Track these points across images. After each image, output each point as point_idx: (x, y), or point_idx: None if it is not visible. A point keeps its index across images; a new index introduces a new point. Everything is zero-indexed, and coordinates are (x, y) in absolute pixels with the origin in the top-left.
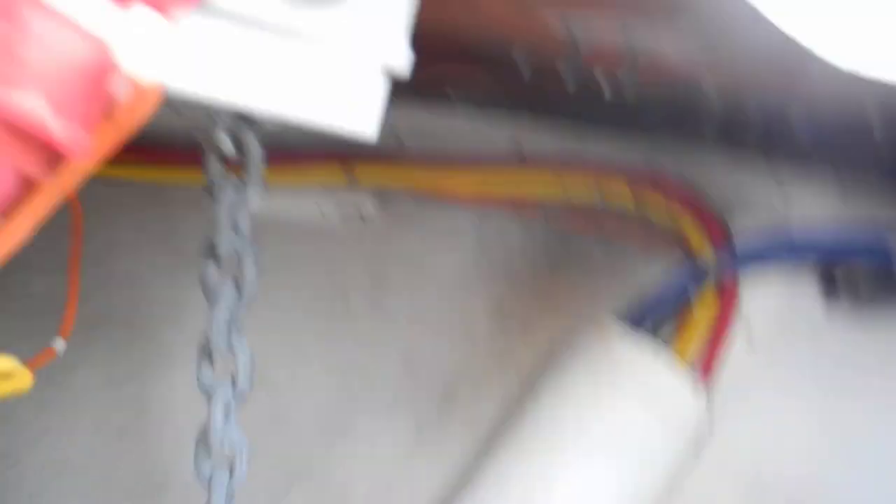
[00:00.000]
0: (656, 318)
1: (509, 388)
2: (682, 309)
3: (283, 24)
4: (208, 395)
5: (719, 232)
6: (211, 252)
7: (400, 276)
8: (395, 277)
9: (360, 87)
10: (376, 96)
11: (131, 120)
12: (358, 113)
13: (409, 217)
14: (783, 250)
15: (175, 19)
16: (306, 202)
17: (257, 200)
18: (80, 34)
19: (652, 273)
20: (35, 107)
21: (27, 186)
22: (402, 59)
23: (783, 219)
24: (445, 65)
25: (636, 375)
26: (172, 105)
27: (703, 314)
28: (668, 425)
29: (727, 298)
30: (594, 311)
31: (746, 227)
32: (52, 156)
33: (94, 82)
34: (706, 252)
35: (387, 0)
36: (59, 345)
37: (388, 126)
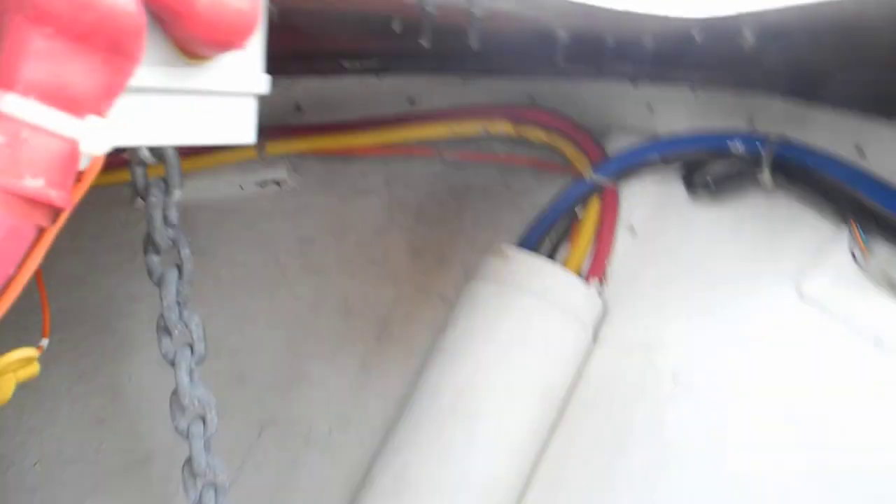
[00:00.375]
0: (552, 233)
1: (435, 316)
2: (573, 221)
3: (175, 86)
4: (172, 362)
5: (595, 150)
6: (150, 245)
7: (323, 234)
8: (319, 236)
9: (237, 113)
10: (250, 114)
11: (92, 176)
12: (240, 129)
13: (321, 179)
14: (651, 157)
15: (110, 112)
16: (226, 181)
17: (180, 194)
18: (60, 138)
19: (545, 190)
20: (40, 186)
21: (40, 233)
22: (263, 85)
23: (651, 132)
24: (334, 40)
25: (533, 284)
26: None
27: (589, 221)
28: (564, 316)
29: (608, 204)
30: (499, 236)
31: (621, 142)
32: (53, 211)
33: (70, 164)
34: (585, 169)
35: (243, 52)
36: (45, 342)
37: (290, 99)
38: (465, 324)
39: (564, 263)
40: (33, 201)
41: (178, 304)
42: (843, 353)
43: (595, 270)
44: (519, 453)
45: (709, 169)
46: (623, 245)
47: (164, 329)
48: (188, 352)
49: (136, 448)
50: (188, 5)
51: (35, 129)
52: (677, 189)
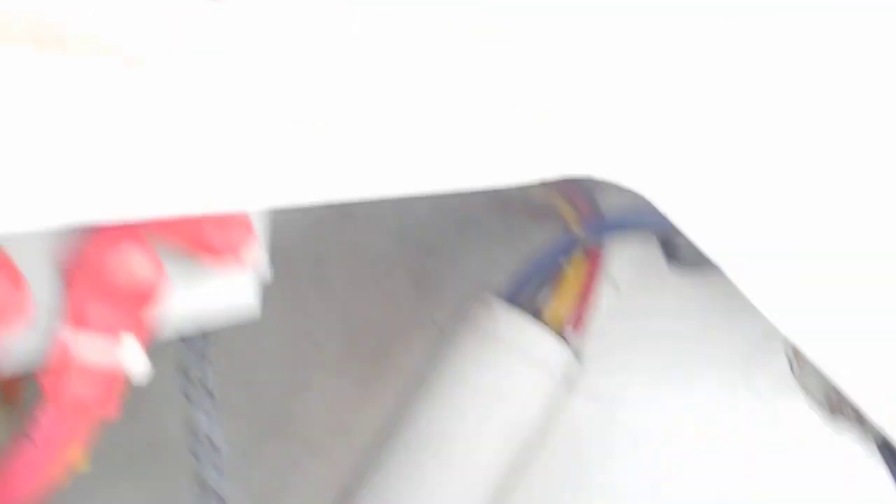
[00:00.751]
0: (536, 284)
1: (430, 343)
2: (557, 274)
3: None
4: (189, 401)
5: (586, 207)
6: None
7: (336, 255)
8: (332, 257)
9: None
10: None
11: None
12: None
13: (340, 207)
14: (639, 223)
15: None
16: None
17: None
18: (110, 364)
19: (541, 232)
20: (85, 392)
21: None
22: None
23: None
24: None
25: (512, 338)
26: None
27: (574, 276)
28: (538, 371)
29: (593, 261)
30: (493, 271)
31: (614, 197)
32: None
33: (117, 381)
34: (576, 224)
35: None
36: None
37: None
38: (449, 368)
39: (548, 312)
40: (78, 407)
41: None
42: (771, 442)
43: (575, 322)
44: (485, 490)
45: (687, 242)
46: (605, 300)
47: (183, 373)
48: (207, 396)
49: (153, 435)
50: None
51: (92, 360)
52: (656, 254)
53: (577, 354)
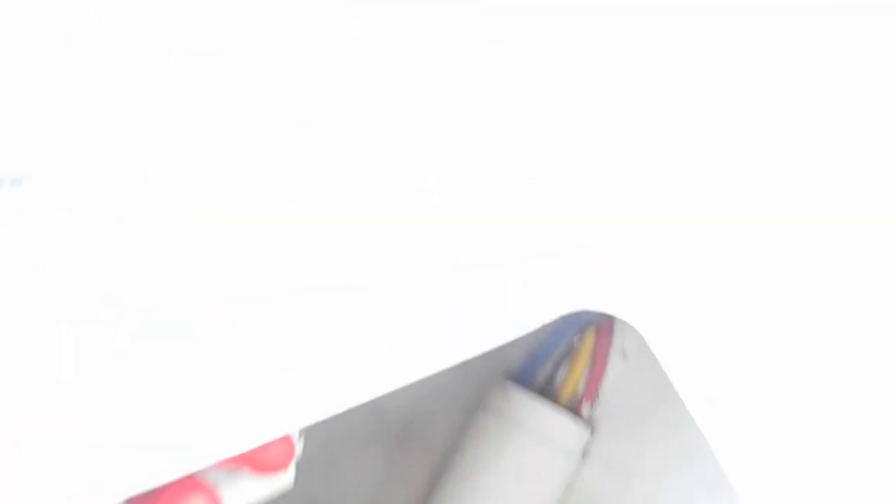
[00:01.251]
0: (550, 363)
1: (454, 420)
2: (570, 350)
3: None
4: None
5: None
6: None
7: None
8: None
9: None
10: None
11: None
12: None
13: None
14: None
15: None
16: None
17: None
18: None
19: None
20: None
21: None
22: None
23: None
24: None
25: (529, 422)
26: None
27: (585, 350)
28: (555, 450)
29: (602, 335)
30: (511, 351)
31: None
32: None
33: None
34: None
35: None
36: None
37: None
38: (471, 453)
39: (562, 387)
40: None
41: None
42: None
43: (588, 393)
44: None
45: None
46: (615, 368)
47: None
48: None
49: None
50: None
51: None
52: None
53: (592, 425)
